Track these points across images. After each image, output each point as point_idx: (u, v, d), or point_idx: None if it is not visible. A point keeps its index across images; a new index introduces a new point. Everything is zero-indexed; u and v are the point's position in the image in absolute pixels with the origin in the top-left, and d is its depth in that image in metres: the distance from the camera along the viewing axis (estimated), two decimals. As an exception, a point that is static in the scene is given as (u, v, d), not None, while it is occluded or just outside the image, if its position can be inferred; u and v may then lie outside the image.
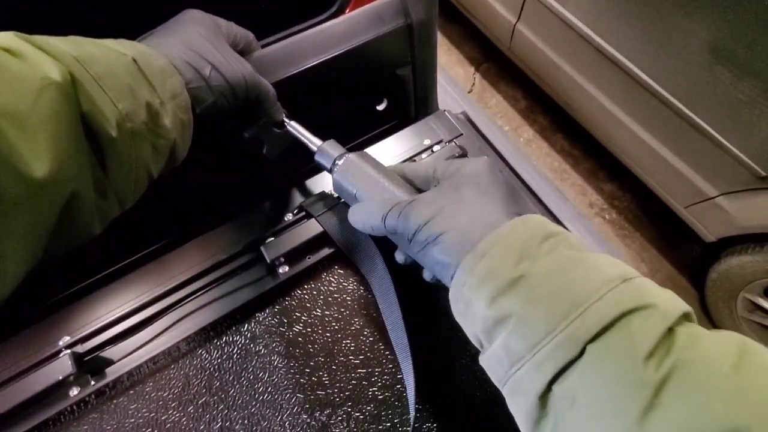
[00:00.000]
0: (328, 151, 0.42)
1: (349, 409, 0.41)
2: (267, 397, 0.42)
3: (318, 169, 0.44)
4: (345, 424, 0.41)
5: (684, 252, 1.68)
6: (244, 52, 0.44)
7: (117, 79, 0.29)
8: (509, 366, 0.26)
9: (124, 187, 0.30)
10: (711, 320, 1.53)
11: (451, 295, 0.31)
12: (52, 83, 0.24)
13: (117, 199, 0.30)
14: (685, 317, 0.24)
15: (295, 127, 0.44)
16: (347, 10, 0.68)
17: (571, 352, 0.23)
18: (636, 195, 1.80)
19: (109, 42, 0.32)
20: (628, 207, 1.81)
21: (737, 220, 1.31)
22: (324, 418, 0.41)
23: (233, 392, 0.42)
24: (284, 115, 0.44)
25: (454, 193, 0.32)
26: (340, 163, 0.40)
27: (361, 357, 0.43)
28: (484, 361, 0.29)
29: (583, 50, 1.53)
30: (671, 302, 0.25)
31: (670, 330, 0.23)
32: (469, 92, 2.12)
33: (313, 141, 0.43)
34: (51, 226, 0.25)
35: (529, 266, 0.27)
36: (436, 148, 0.52)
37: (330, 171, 0.42)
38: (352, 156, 0.40)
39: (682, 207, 1.49)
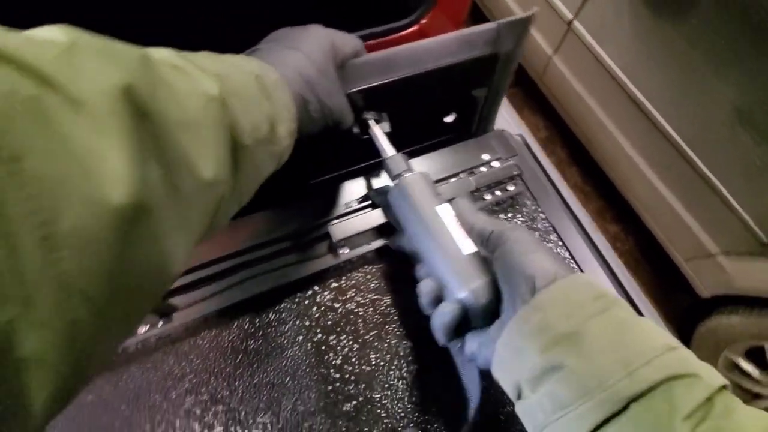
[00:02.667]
0: (391, 166, 0.45)
1: (395, 387, 0.45)
2: (317, 363, 0.45)
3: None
4: (387, 401, 0.44)
5: (676, 303, 1.73)
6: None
7: (247, 93, 0.31)
8: (552, 412, 0.28)
9: (246, 189, 0.33)
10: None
11: (499, 345, 0.33)
12: (213, 98, 0.27)
13: (239, 198, 0.33)
14: (724, 388, 0.27)
15: (376, 133, 0.48)
16: (423, 21, 0.72)
17: (616, 406, 0.26)
18: (639, 240, 1.86)
19: (234, 58, 0.34)
20: (629, 251, 1.86)
21: (734, 281, 1.36)
22: (368, 393, 0.44)
23: (287, 354, 0.45)
24: (372, 118, 0.48)
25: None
26: (398, 181, 0.44)
27: (410, 343, 0.47)
28: (522, 407, 0.31)
29: (613, 92, 1.58)
30: (712, 374, 0.28)
31: (709, 399, 0.26)
32: (494, 113, 2.16)
33: (386, 150, 0.47)
34: (209, 221, 0.28)
35: (581, 323, 0.29)
36: (494, 164, 0.56)
37: (392, 180, 0.46)
38: (410, 178, 0.43)
39: (682, 259, 1.54)
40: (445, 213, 0.40)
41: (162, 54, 0.27)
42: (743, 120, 1.19)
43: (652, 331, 0.30)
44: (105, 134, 0.19)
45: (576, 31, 1.64)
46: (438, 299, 0.38)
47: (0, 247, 0.14)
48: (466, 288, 0.36)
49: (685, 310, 1.69)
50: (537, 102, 2.19)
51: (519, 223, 0.55)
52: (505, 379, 0.33)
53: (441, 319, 0.36)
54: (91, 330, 0.18)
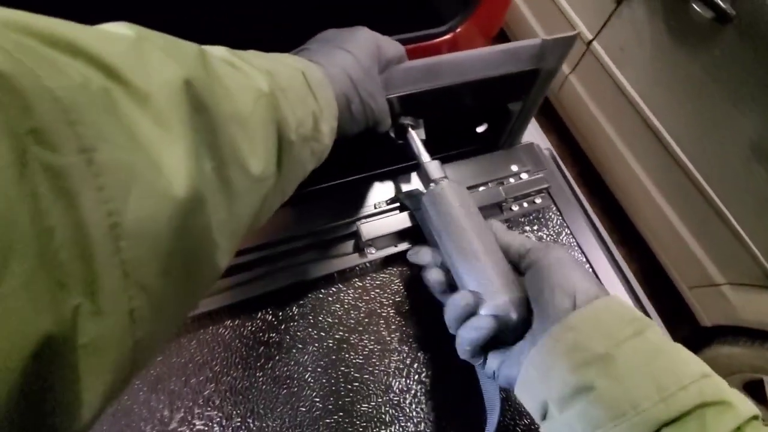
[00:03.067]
0: (428, 172, 0.46)
1: (414, 392, 0.45)
2: (338, 361, 0.45)
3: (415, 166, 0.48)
4: (406, 403, 0.44)
5: (676, 330, 1.73)
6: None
7: (294, 90, 0.32)
8: None
9: (289, 184, 0.34)
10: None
11: (527, 363, 0.32)
12: (263, 94, 0.27)
13: (282, 193, 0.33)
14: (755, 418, 0.27)
15: (413, 138, 0.48)
16: (457, 30, 0.72)
17: (648, 430, 0.26)
18: (642, 265, 1.86)
19: (282, 56, 0.35)
20: (632, 274, 1.86)
21: (737, 312, 1.36)
22: (387, 395, 0.44)
23: (308, 349, 0.45)
24: (409, 123, 0.48)
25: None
26: (433, 187, 0.44)
27: (431, 348, 0.47)
28: (549, 427, 0.31)
29: (628, 116, 1.58)
30: (745, 403, 0.28)
31: (739, 428, 0.26)
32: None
33: (423, 156, 0.47)
34: (254, 215, 0.28)
35: (615, 346, 0.29)
36: (524, 175, 0.57)
37: (427, 185, 0.46)
38: (446, 184, 0.44)
39: (686, 287, 1.54)
40: (481, 223, 0.40)
41: (217, 50, 0.28)
42: (760, 156, 1.20)
43: (686, 357, 0.30)
44: (167, 126, 0.19)
45: (595, 52, 1.65)
46: (470, 312, 0.37)
47: (71, 234, 0.15)
48: (496, 300, 0.36)
49: (684, 338, 1.69)
50: (549, 119, 2.20)
51: (545, 237, 0.55)
52: (530, 398, 0.33)
53: (474, 333, 0.35)
54: (147, 320, 0.18)
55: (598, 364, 0.29)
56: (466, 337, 0.36)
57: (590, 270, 0.54)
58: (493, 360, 0.36)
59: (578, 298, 0.32)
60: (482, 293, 0.37)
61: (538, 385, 0.32)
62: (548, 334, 0.31)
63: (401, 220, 0.50)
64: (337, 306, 0.48)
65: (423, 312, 0.49)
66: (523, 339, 0.35)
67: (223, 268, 0.25)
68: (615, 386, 0.28)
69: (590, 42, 1.67)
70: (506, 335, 0.36)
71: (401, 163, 0.57)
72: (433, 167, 0.46)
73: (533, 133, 0.71)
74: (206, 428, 0.41)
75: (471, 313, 0.37)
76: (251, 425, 0.41)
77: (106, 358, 0.16)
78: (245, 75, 0.28)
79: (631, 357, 0.29)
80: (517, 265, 0.38)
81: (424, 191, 0.46)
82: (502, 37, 2.36)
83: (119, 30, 0.20)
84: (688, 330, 1.69)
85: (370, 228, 0.49)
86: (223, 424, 0.41)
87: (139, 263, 0.17)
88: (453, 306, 0.37)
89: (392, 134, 0.49)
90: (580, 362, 0.29)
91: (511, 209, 0.55)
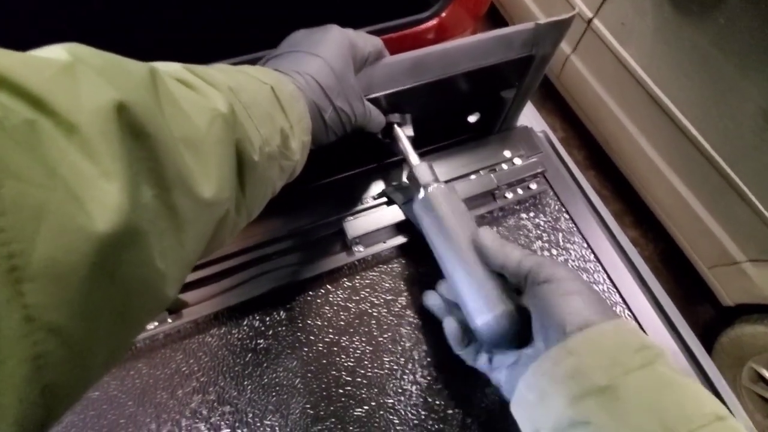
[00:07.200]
0: (418, 176, 0.44)
1: (409, 393, 0.43)
2: (328, 365, 0.43)
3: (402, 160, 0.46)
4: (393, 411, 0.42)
5: (698, 312, 1.68)
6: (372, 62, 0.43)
7: (260, 107, 0.30)
8: None
9: (254, 204, 0.32)
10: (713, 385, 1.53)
11: (523, 383, 0.31)
12: (219, 114, 0.26)
13: (247, 213, 0.32)
14: None
15: (400, 138, 0.46)
16: (442, 14, 0.70)
17: None
18: (658, 246, 1.81)
19: (251, 70, 0.33)
20: (648, 257, 1.81)
21: (760, 289, 1.32)
22: (381, 398, 0.42)
23: (297, 354, 0.44)
24: (396, 121, 0.46)
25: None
26: (425, 193, 0.42)
27: (425, 347, 0.45)
28: None
29: (634, 93, 1.53)
30: None
31: None
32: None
33: (411, 158, 0.45)
34: (207, 241, 0.27)
35: (619, 377, 0.26)
36: (517, 161, 0.54)
37: (417, 191, 0.44)
38: (437, 190, 0.42)
39: (705, 266, 1.49)
40: (473, 228, 0.39)
41: (171, 68, 0.26)
42: (773, 124, 1.15)
43: (699, 394, 0.27)
44: (96, 158, 0.18)
45: (596, 30, 1.61)
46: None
47: None
48: (484, 315, 0.35)
49: (707, 318, 1.64)
50: (553, 102, 2.15)
51: (542, 223, 0.53)
52: (525, 420, 0.31)
53: (446, 330, 0.39)
54: (61, 363, 0.17)
55: (598, 397, 0.26)
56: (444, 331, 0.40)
57: (592, 255, 0.51)
58: (499, 372, 0.36)
59: (572, 325, 0.29)
60: (471, 305, 0.36)
61: (534, 411, 0.30)
62: (547, 354, 0.29)
63: (389, 215, 0.48)
64: (326, 308, 0.46)
65: (415, 311, 0.47)
66: (527, 348, 0.33)
67: (172, 296, 0.24)
68: (615, 424, 0.25)
69: (590, 20, 1.62)
70: (505, 344, 0.35)
71: (386, 158, 0.54)
72: (422, 170, 0.43)
73: (528, 116, 0.68)
74: (195, 441, 0.40)
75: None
76: (241, 436, 0.40)
77: (4, 404, 0.15)
78: (201, 94, 0.26)
79: (636, 391, 0.26)
80: (519, 283, 0.35)
81: (414, 189, 0.44)
82: (497, 16, 2.31)
83: (52, 54, 0.19)
84: (710, 310, 1.64)
85: (356, 225, 0.48)
86: (212, 435, 0.40)
87: (50, 305, 0.16)
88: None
89: (379, 135, 0.47)
90: (579, 393, 0.27)
91: (504, 197, 0.52)
